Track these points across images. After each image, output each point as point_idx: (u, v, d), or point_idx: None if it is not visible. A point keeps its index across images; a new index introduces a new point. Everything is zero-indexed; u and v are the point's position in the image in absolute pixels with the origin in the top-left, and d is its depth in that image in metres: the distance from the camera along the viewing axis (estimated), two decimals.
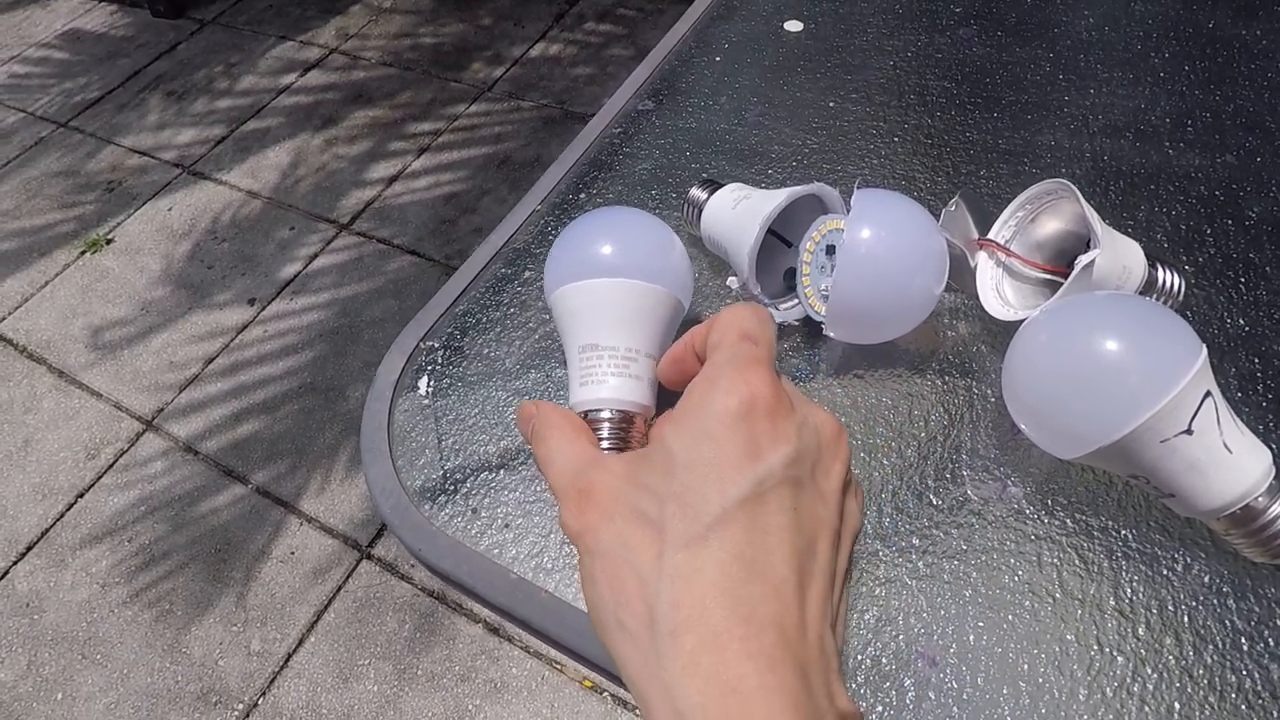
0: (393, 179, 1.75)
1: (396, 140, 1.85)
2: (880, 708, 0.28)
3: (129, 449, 1.35)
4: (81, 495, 1.30)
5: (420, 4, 2.23)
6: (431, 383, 0.39)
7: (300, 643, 1.13)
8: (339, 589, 1.18)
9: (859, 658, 0.29)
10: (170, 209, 1.76)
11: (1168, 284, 0.34)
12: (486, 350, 0.40)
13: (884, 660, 0.29)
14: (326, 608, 1.16)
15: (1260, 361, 0.35)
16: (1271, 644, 0.28)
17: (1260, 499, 0.27)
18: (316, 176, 1.79)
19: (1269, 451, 0.28)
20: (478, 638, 1.12)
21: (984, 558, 0.31)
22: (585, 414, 0.31)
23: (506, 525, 0.34)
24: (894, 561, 0.31)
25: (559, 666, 1.07)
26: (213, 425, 1.38)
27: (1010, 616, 0.30)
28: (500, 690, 1.06)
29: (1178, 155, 0.44)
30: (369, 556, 1.21)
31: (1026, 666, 0.29)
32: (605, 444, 0.31)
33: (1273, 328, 0.36)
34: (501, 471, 0.36)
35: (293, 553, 1.22)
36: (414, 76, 2.02)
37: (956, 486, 0.33)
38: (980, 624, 0.30)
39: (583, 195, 0.47)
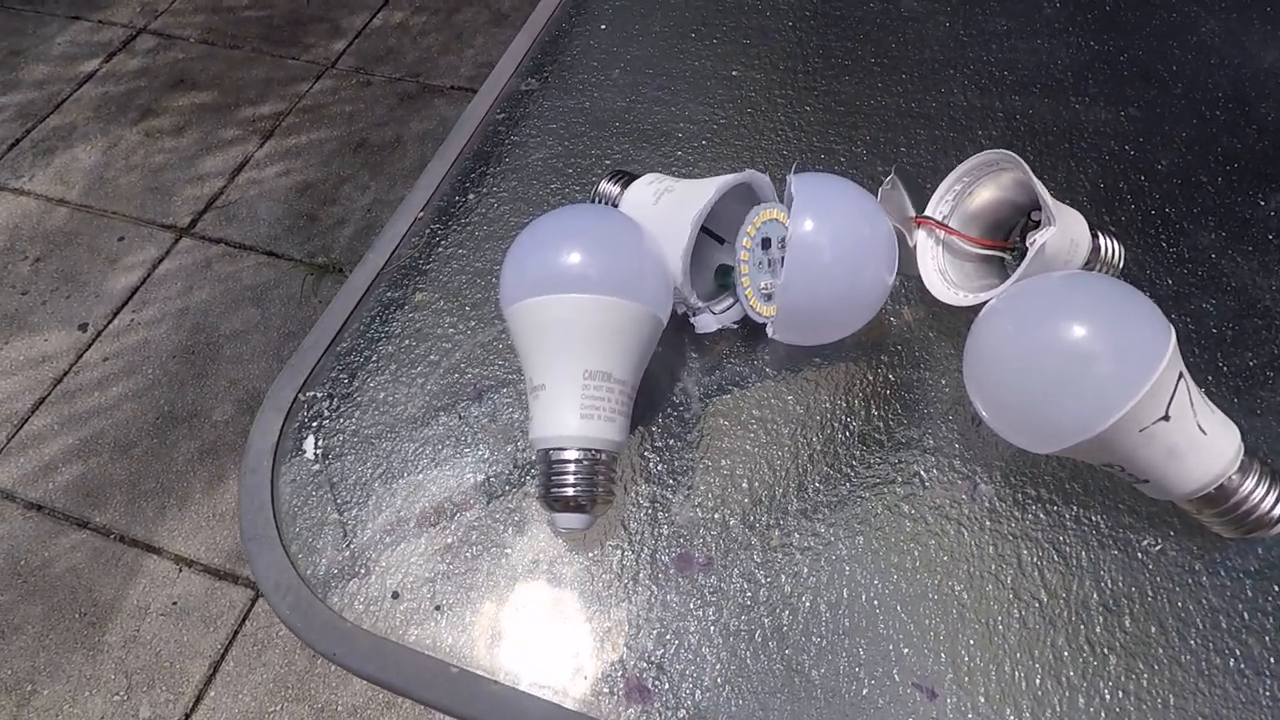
0: (235, 172, 1.58)
1: (231, 128, 1.65)
2: None
3: None
4: None
5: None
6: (320, 442, 0.33)
7: (198, 700, 1.02)
8: (235, 633, 1.07)
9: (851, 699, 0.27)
10: None
11: (1111, 253, 0.33)
12: (382, 394, 0.34)
13: (880, 699, 0.27)
14: (223, 656, 1.05)
15: (1192, 321, 0.35)
16: (1246, 618, 0.28)
17: (1233, 477, 0.27)
18: (141, 176, 1.58)
19: (1237, 429, 0.27)
20: None
21: (965, 567, 0.29)
22: (585, 453, 0.28)
23: (437, 607, 0.29)
24: (870, 584, 0.29)
25: None
26: (56, 475, 1.20)
27: (1001, 628, 0.28)
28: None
29: (1084, 110, 0.43)
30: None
31: (1024, 681, 0.27)
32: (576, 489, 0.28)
33: (1199, 285, 0.36)
34: (421, 540, 0.30)
35: (175, 603, 1.09)
36: (242, 55, 1.81)
37: (925, 490, 0.31)
38: (972, 642, 0.28)
39: (471, 196, 0.41)
